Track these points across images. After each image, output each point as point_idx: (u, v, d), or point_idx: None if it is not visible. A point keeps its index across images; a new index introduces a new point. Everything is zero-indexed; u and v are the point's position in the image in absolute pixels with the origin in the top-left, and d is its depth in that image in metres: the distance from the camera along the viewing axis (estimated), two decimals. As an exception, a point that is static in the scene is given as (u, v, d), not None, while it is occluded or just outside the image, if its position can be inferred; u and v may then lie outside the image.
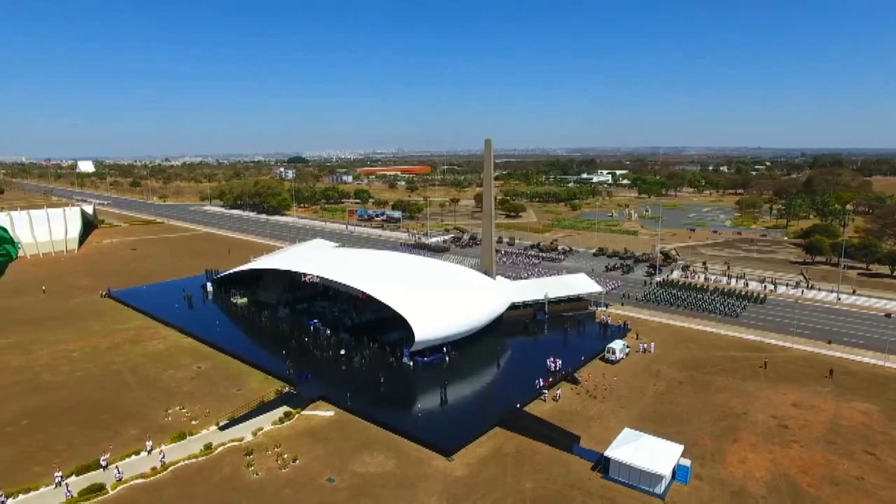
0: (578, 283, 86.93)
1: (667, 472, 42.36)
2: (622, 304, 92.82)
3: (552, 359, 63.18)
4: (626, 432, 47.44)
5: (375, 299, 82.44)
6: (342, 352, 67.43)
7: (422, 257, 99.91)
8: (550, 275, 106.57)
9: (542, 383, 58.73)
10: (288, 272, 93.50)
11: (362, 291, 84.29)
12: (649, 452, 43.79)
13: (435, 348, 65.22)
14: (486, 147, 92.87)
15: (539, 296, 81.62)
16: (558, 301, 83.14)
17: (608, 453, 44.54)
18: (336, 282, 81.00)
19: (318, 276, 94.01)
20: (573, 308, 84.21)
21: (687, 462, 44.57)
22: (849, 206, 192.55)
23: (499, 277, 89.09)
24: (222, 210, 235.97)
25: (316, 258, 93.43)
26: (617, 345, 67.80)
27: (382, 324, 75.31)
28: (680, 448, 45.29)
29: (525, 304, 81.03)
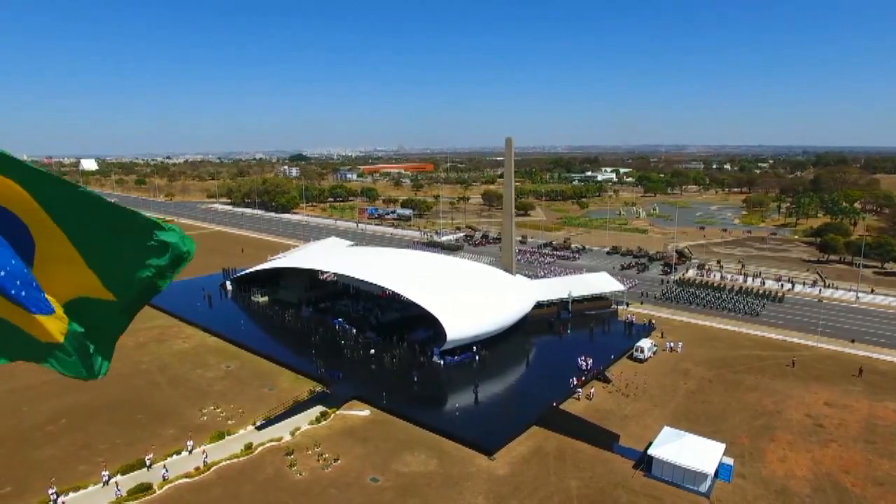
0: (601, 282, 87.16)
1: (711, 470, 42.62)
2: (641, 303, 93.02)
3: (583, 357, 63.42)
4: (667, 431, 47.67)
5: (398, 298, 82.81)
6: (372, 351, 67.53)
7: (443, 256, 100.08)
8: (566, 273, 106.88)
9: (575, 382, 58.99)
10: (308, 271, 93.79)
11: (385, 290, 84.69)
12: (692, 451, 44.03)
13: (465, 347, 65.41)
14: (507, 146, 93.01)
15: (563, 294, 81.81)
16: (581, 300, 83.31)
17: (651, 452, 44.76)
18: (360, 280, 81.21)
19: (334, 274, 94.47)
20: (595, 307, 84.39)
21: (729, 461, 44.84)
22: (856, 205, 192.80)
23: (517, 276, 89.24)
24: (230, 208, 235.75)
25: (337, 257, 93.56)
26: (645, 343, 68.08)
27: (408, 322, 75.51)
28: (722, 447, 45.53)
29: (549, 303, 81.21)
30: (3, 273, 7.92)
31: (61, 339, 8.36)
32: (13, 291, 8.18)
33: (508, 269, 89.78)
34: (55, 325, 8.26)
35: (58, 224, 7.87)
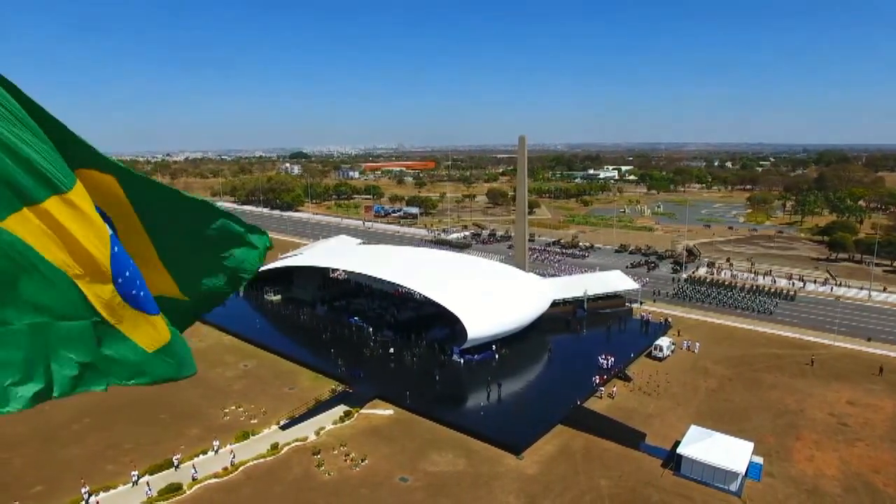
0: (615, 281, 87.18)
1: (742, 469, 42.63)
2: (654, 301, 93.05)
3: (604, 355, 63.44)
4: (694, 430, 47.63)
5: (412, 296, 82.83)
6: (391, 350, 67.47)
7: (457, 254, 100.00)
8: (577, 271, 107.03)
9: (597, 380, 59.03)
10: (320, 269, 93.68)
11: (399, 288, 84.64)
12: (722, 450, 44.04)
13: (484, 346, 65.36)
14: (520, 144, 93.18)
15: (578, 293, 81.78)
16: (596, 298, 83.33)
17: (681, 450, 44.74)
18: (374, 278, 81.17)
19: (345, 272, 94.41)
20: (610, 305, 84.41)
21: (759, 459, 44.90)
22: (860, 203, 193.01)
23: (529, 274, 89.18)
24: (234, 206, 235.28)
25: (350, 255, 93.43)
26: (664, 342, 68.15)
27: (425, 321, 75.41)
28: (751, 445, 45.53)
29: (565, 301, 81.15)
30: (126, 275, 7.78)
31: (168, 337, 8.25)
32: (137, 293, 8.06)
33: (521, 268, 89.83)
34: (162, 324, 8.18)
35: (143, 223, 7.84)
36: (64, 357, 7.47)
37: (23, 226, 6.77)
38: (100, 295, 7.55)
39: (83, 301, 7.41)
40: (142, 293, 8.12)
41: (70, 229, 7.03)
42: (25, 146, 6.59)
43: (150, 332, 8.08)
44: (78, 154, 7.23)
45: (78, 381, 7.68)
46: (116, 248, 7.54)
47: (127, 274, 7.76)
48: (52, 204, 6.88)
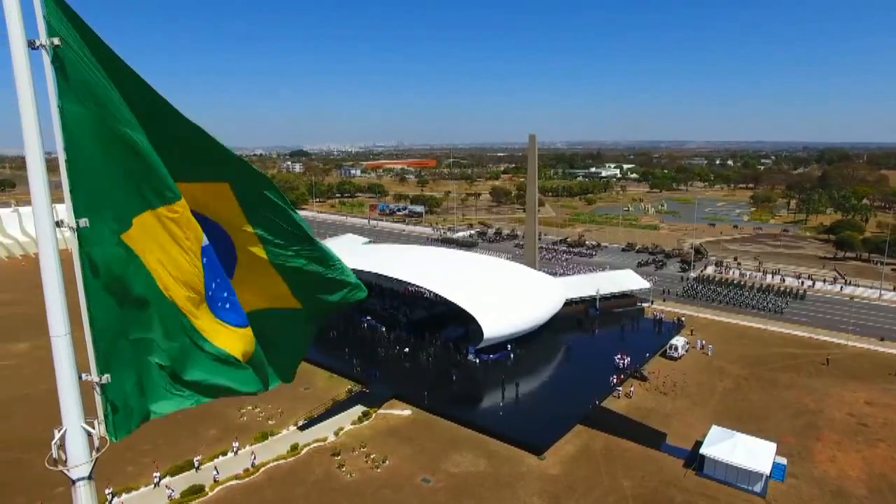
0: (627, 280, 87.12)
1: (767, 469, 42.51)
2: (664, 300, 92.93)
3: (620, 355, 63.32)
4: (716, 430, 47.49)
5: (423, 295, 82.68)
6: (406, 350, 67.29)
7: (467, 252, 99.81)
8: (586, 270, 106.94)
9: (615, 380, 58.94)
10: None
11: (408, 287, 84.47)
12: (745, 450, 43.92)
13: (499, 345, 65.19)
14: (531, 142, 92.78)
15: (591, 292, 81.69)
16: (608, 297, 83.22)
17: (704, 451, 44.61)
18: (384, 277, 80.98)
19: (353, 271, 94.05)
20: (622, 304, 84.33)
21: (783, 460, 44.80)
22: (864, 201, 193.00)
23: (541, 273, 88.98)
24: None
25: (359, 254, 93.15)
26: (679, 341, 68.07)
27: (438, 320, 75.24)
28: (773, 446, 45.40)
29: (577, 301, 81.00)
30: (213, 287, 7.55)
31: (253, 350, 8.08)
32: (223, 305, 7.84)
33: (531, 266, 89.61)
34: (246, 338, 7.96)
35: (253, 228, 7.66)
36: (166, 374, 7.29)
37: (140, 237, 6.55)
38: (193, 311, 7.33)
39: (180, 319, 7.18)
40: (227, 305, 7.90)
41: (168, 243, 6.80)
42: (142, 153, 6.34)
43: (236, 345, 7.86)
44: (190, 166, 6.96)
45: (180, 398, 7.47)
46: (206, 260, 7.27)
47: (213, 286, 7.54)
48: (156, 215, 6.65)
